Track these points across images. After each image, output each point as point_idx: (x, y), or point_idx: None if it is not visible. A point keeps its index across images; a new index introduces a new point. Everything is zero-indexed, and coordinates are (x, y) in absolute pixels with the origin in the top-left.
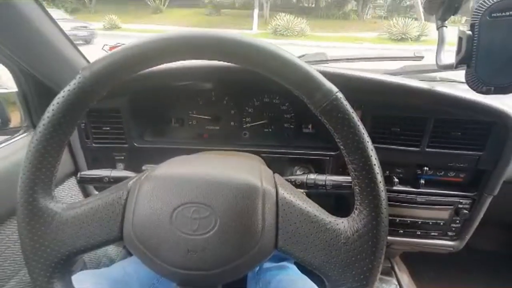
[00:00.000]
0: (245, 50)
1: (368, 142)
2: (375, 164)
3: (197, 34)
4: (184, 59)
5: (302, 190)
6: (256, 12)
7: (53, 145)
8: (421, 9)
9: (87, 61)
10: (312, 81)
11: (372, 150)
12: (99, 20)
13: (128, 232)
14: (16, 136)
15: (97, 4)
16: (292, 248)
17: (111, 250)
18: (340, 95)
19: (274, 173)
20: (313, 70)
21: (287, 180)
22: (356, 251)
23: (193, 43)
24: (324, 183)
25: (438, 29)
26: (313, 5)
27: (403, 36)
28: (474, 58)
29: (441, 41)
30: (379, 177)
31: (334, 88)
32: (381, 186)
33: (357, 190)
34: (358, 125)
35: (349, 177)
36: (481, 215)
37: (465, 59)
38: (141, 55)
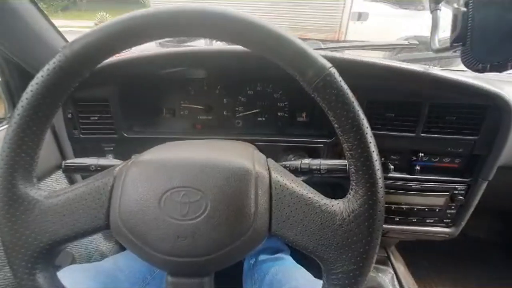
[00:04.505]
0: (235, 26)
1: (363, 119)
2: (370, 142)
3: (185, 9)
4: (172, 36)
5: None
6: None
7: (33, 129)
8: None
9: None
10: (305, 57)
11: (367, 127)
12: (90, 19)
13: (115, 220)
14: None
15: (88, 3)
16: (286, 231)
17: (103, 245)
18: (333, 70)
19: (267, 158)
20: (306, 46)
21: (281, 166)
22: (352, 232)
23: (180, 19)
24: (318, 167)
25: (431, 12)
26: None
27: None
28: (469, 36)
29: (434, 25)
30: (375, 156)
31: (328, 64)
32: (377, 164)
33: (352, 170)
34: (353, 102)
35: (344, 161)
36: (476, 201)
37: (460, 37)
38: (125, 31)
